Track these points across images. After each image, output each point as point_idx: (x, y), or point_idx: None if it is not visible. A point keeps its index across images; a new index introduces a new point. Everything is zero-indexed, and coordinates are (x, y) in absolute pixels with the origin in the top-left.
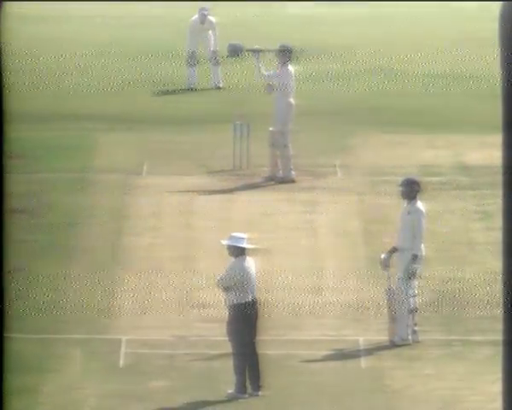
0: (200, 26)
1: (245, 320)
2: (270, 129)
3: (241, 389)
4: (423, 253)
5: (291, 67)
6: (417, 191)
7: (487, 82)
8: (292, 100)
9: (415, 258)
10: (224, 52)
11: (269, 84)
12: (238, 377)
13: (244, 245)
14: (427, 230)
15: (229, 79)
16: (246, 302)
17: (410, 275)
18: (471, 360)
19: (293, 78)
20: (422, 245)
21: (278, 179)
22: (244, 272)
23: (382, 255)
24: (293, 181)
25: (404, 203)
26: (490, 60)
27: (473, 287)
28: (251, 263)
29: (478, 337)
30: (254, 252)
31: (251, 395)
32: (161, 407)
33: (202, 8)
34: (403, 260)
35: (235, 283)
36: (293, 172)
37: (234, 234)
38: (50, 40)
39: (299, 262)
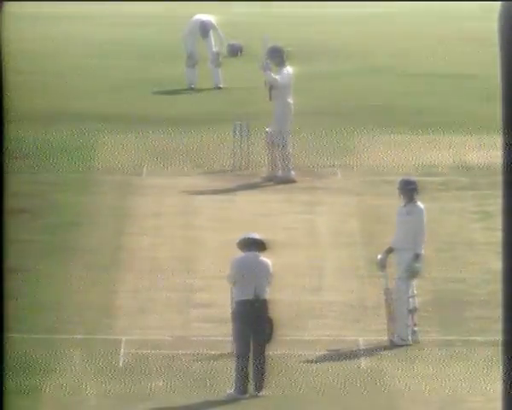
0: (200, 31)
1: (242, 318)
2: (267, 129)
3: (240, 390)
4: (423, 252)
5: (289, 68)
6: (415, 191)
7: (487, 82)
8: (290, 100)
9: (417, 257)
10: (223, 52)
11: (271, 84)
12: (236, 376)
13: (246, 237)
14: (427, 230)
15: (229, 79)
16: (244, 300)
17: (414, 274)
18: (471, 361)
19: (292, 78)
20: (423, 245)
21: (278, 179)
22: (242, 269)
23: (379, 256)
24: (293, 181)
25: (402, 204)
26: (490, 60)
27: (473, 287)
28: (259, 260)
29: (478, 338)
30: (269, 249)
31: (252, 396)
32: (161, 408)
33: (203, 23)
34: (404, 261)
35: (236, 279)
36: (292, 172)
37: (246, 233)
38: (50, 40)
39: (298, 262)
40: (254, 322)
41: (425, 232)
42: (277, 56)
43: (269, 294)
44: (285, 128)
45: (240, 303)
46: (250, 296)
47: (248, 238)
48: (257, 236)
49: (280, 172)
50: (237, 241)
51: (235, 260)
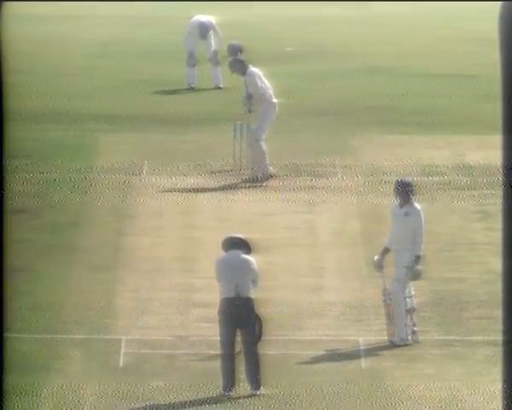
0: (199, 32)
1: (225, 317)
2: (252, 127)
3: (225, 388)
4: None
5: (253, 69)
6: (412, 192)
7: (487, 82)
8: (274, 100)
9: (418, 259)
10: (224, 52)
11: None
12: (222, 374)
13: (228, 237)
14: (426, 230)
15: (229, 79)
16: (226, 298)
17: (417, 276)
18: (471, 361)
19: (259, 78)
20: (423, 246)
21: (254, 175)
22: (223, 267)
23: (375, 257)
24: (271, 176)
25: (397, 203)
26: (490, 60)
27: (473, 287)
28: (240, 258)
29: (478, 337)
30: (254, 250)
31: (250, 395)
32: (161, 407)
33: (202, 24)
34: (402, 261)
35: (219, 278)
36: (270, 168)
37: (228, 234)
38: (50, 40)
39: (298, 262)
40: (239, 321)
41: (424, 234)
42: (238, 66)
43: (253, 292)
44: (264, 125)
45: (222, 301)
46: (231, 294)
47: (229, 238)
48: (239, 236)
49: (259, 170)
50: (221, 242)
51: (217, 260)
